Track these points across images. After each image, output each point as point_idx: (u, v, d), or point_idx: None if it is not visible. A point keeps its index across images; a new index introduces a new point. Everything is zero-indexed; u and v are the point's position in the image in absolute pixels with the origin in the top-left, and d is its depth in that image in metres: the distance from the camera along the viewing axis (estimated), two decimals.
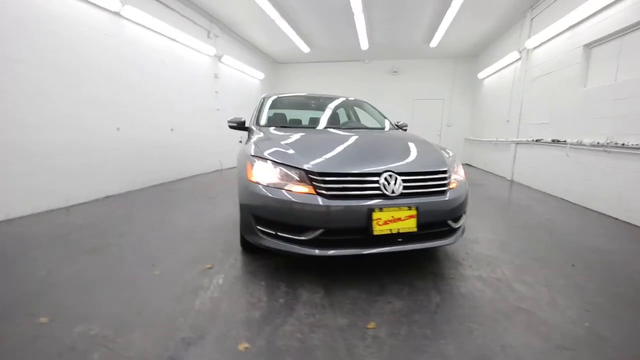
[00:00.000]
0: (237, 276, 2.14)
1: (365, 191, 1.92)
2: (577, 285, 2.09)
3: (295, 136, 2.57)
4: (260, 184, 2.03)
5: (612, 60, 4.03)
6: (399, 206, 1.90)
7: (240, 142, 4.80)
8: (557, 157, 4.90)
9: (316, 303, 1.82)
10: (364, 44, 8.32)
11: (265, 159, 2.10)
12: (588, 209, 4.17)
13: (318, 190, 1.89)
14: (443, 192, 2.08)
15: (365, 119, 3.72)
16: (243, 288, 1.98)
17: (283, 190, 1.94)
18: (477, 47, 8.63)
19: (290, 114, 3.60)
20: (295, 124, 3.43)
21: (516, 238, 3.02)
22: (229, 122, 3.26)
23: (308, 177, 1.93)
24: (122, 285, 1.99)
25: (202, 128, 6.93)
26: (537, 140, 5.53)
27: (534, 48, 5.92)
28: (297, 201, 1.88)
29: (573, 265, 2.41)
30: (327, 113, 3.62)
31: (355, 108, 4.01)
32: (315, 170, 1.93)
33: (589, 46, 4.43)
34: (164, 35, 5.55)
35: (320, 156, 2.07)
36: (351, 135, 2.64)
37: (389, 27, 7.28)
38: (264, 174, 2.05)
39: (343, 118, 3.86)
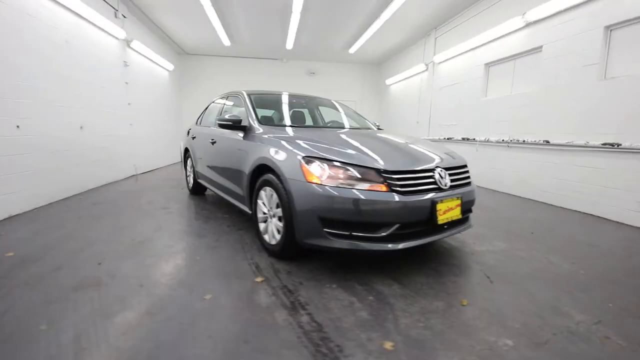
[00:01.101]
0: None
1: (426, 186, 2.12)
2: (543, 241, 2.80)
3: (330, 136, 2.57)
4: (326, 185, 1.98)
5: (508, 76, 5.32)
6: (451, 197, 2.17)
7: (194, 137, 4.30)
8: (468, 151, 6.12)
9: (404, 294, 1.93)
10: (290, 44, 8.38)
11: (330, 160, 2.05)
12: (497, 191, 5.41)
13: (392, 188, 1.98)
14: (470, 183, 2.46)
15: (338, 119, 3.86)
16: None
17: (355, 190, 1.95)
18: (385, 56, 9.80)
19: (280, 113, 3.47)
20: (299, 123, 3.35)
21: None
22: (221, 120, 2.94)
23: (381, 175, 1.99)
24: None
25: (113, 126, 5.76)
26: (448, 139, 6.76)
27: (440, 63, 7.17)
28: (376, 199, 1.93)
29: (532, 233, 3.18)
30: (314, 112, 3.62)
31: (326, 108, 4.11)
32: (390, 169, 2.01)
33: (489, 65, 5.71)
34: (67, 8, 4.40)
35: (380, 156, 2.14)
36: (377, 136, 2.79)
37: (318, 30, 7.56)
38: (330, 176, 2.01)
39: (328, 118, 3.93)
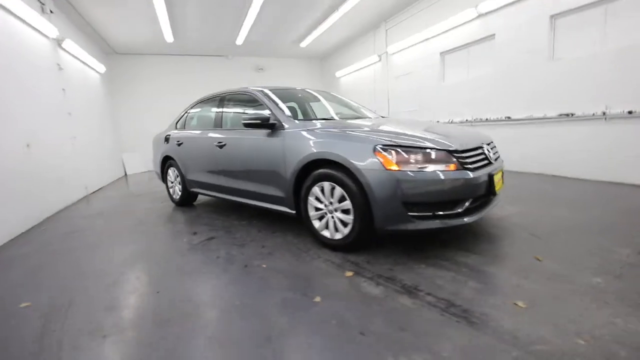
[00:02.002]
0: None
1: (482, 161, 2.31)
2: (541, 201, 3.28)
3: (372, 125, 2.61)
4: (407, 170, 2.04)
5: (464, 62, 5.93)
6: (497, 169, 2.41)
7: (180, 144, 3.92)
8: None
9: (487, 261, 2.10)
10: (241, 39, 8.01)
11: (406, 146, 2.10)
12: None
13: (465, 166, 2.13)
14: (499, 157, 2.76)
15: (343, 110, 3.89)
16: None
17: (438, 172, 2.05)
18: (333, 48, 9.99)
19: (297, 108, 3.38)
20: (318, 116, 3.34)
21: None
22: (247, 120, 2.77)
23: (453, 155, 2.12)
24: None
25: (58, 141, 4.89)
26: None
27: (394, 53, 7.62)
28: (455, 178, 2.05)
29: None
30: (326, 106, 3.59)
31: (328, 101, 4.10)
32: (459, 148, 2.14)
33: (444, 53, 6.28)
34: None
35: (443, 137, 2.26)
36: (415, 121, 2.98)
37: (273, 24, 7.36)
38: (409, 161, 2.07)
39: (334, 110, 3.90)
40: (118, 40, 7.74)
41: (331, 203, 2.37)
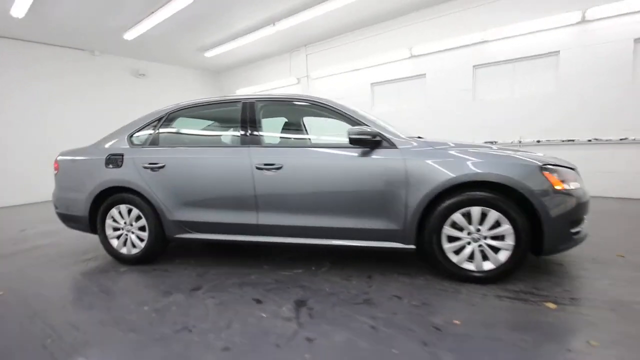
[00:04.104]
0: None
1: None
2: None
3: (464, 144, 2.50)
4: (571, 189, 2.09)
5: (394, 95, 6.66)
6: None
7: (161, 167, 2.68)
8: None
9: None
10: (135, 32, 6.19)
11: (562, 166, 2.14)
12: None
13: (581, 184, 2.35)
14: None
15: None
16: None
17: (583, 189, 2.18)
18: (239, 64, 9.15)
19: None
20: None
21: None
22: (356, 135, 2.18)
23: (575, 171, 2.30)
24: None
25: None
26: None
27: (318, 78, 7.72)
28: (587, 194, 2.24)
29: None
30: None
31: None
32: (575, 168, 2.34)
33: (374, 84, 6.87)
34: None
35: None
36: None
37: (187, 22, 6.08)
38: (568, 179, 2.12)
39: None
40: None
41: (478, 230, 2.12)
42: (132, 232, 2.76)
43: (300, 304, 1.99)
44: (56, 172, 3.00)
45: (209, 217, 2.58)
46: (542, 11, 4.86)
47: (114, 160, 2.76)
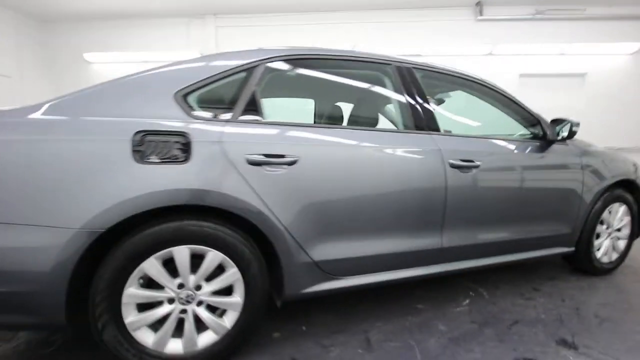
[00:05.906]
0: None
1: None
2: None
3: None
4: None
5: None
6: None
7: (293, 162, 1.70)
8: None
9: None
10: None
11: None
12: None
13: None
14: None
15: None
16: None
17: None
18: (92, 14, 6.09)
19: None
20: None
21: None
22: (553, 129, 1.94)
23: None
24: None
25: None
26: None
27: None
28: None
29: None
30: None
31: None
32: None
33: None
34: None
35: None
36: None
37: None
38: None
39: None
40: None
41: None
42: (200, 304, 1.29)
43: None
44: None
45: (376, 247, 1.55)
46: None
47: (163, 145, 1.20)
